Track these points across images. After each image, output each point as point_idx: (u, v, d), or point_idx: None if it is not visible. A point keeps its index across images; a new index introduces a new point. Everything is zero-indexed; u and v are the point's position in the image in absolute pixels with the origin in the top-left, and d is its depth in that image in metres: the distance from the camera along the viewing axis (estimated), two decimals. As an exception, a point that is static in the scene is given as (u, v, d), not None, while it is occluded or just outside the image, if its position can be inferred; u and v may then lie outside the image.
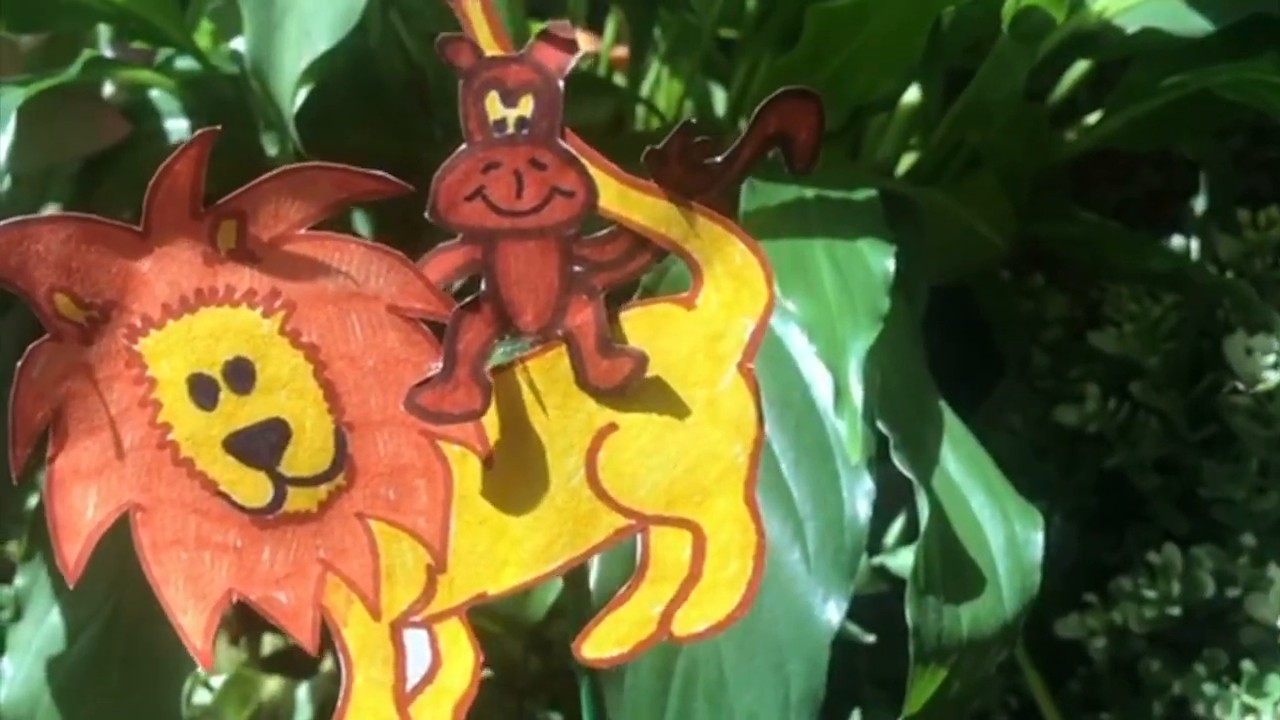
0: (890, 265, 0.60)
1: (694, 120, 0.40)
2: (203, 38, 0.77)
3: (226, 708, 0.75)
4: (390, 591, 0.40)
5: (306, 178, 0.38)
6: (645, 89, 0.81)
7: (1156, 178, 0.89)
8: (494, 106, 0.38)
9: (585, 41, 0.81)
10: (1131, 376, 0.72)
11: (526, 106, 0.38)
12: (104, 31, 0.78)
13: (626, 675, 0.54)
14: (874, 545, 0.69)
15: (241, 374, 0.38)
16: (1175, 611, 0.66)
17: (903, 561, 0.66)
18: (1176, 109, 0.73)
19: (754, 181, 0.62)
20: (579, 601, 0.42)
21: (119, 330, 0.38)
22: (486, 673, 0.40)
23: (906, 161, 0.79)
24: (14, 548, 0.72)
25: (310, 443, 0.39)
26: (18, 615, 0.66)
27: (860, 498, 0.56)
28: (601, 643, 0.40)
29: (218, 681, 0.76)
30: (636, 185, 0.39)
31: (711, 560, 0.40)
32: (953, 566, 0.56)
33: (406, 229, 0.43)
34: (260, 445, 0.39)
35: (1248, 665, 0.64)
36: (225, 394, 0.38)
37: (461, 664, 0.40)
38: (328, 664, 0.75)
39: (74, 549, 0.38)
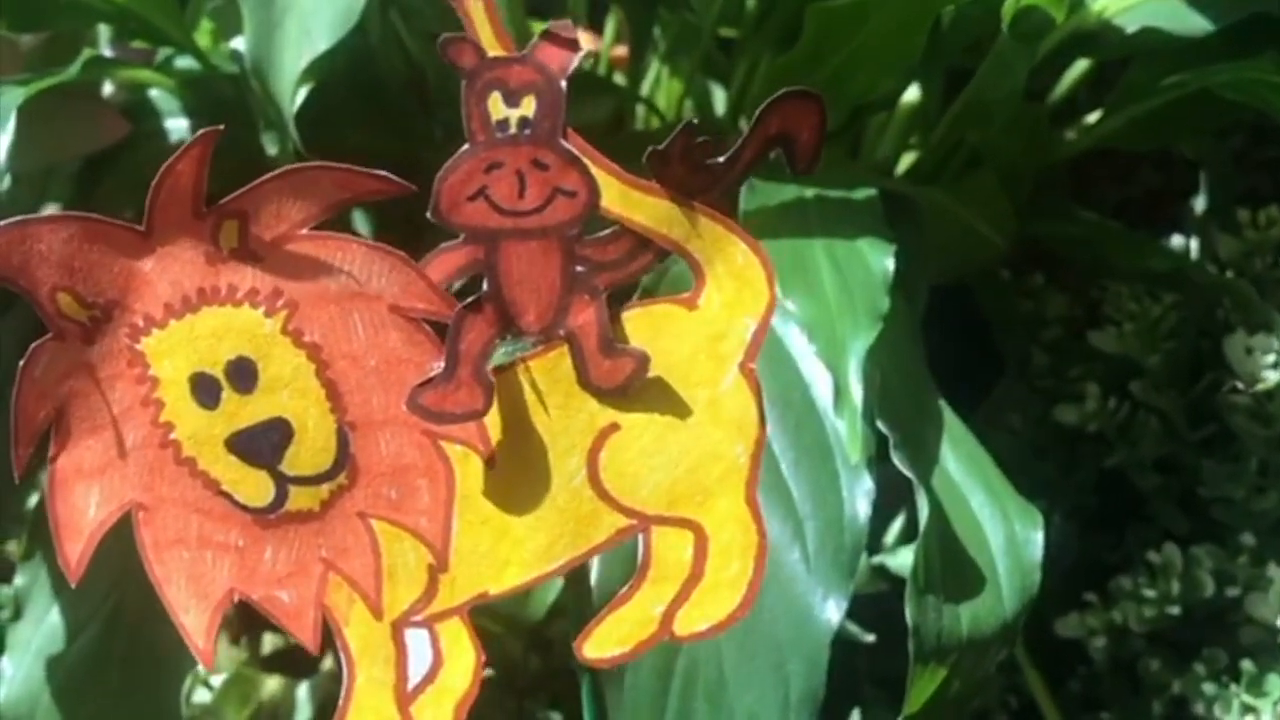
0: (890, 265, 0.60)
1: (694, 120, 0.40)
2: (203, 37, 0.77)
3: (226, 707, 0.75)
4: (392, 591, 0.40)
5: (308, 178, 0.38)
6: (645, 88, 0.81)
7: (1156, 177, 0.89)
8: (496, 107, 0.38)
9: (585, 41, 0.81)
10: (1131, 376, 0.72)
11: (529, 107, 0.38)
12: (104, 31, 0.78)
13: (627, 675, 0.54)
14: (874, 545, 0.69)
15: (244, 373, 0.38)
16: (1175, 611, 0.66)
17: (902, 561, 0.66)
18: (1176, 109, 0.73)
19: (753, 181, 0.62)
20: (580, 601, 0.42)
21: (121, 329, 0.38)
22: (487, 672, 0.40)
23: (906, 161, 0.79)
24: (14, 547, 0.72)
25: (312, 442, 0.39)
26: (17, 614, 0.66)
27: (860, 497, 0.56)
28: (603, 642, 0.40)
29: (218, 680, 0.76)
30: (638, 185, 0.39)
31: (713, 560, 0.40)
32: (952, 566, 0.56)
33: (408, 229, 0.43)
34: (262, 445, 0.39)
35: (1247, 665, 0.64)
36: (227, 393, 0.38)
37: (463, 663, 0.40)
38: (328, 663, 0.75)
39: (76, 548, 0.38)
